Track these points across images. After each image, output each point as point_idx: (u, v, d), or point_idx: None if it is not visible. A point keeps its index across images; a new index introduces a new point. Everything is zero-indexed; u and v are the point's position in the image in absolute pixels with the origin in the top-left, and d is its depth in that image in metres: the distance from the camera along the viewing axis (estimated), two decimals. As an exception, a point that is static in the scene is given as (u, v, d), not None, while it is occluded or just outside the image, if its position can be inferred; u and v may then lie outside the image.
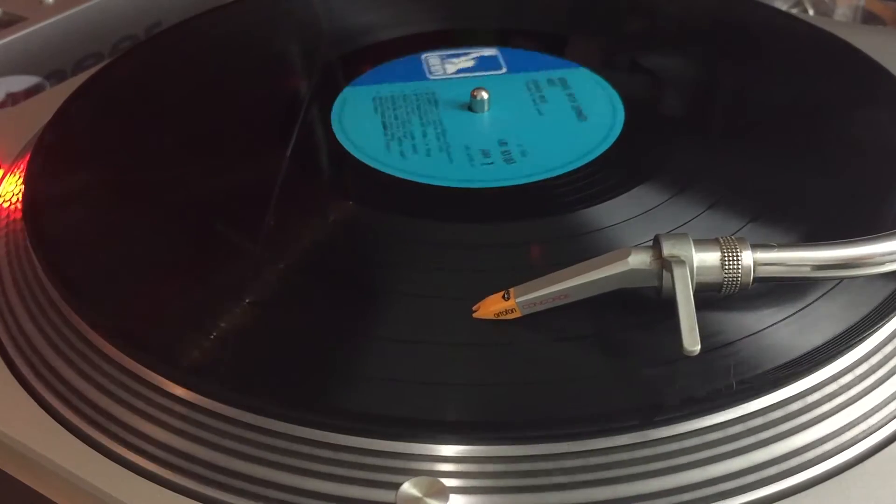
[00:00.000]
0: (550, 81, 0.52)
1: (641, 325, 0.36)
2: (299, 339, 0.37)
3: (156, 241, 0.42)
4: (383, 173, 0.45)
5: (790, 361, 0.35)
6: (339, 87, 0.53)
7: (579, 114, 0.49)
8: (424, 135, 0.48)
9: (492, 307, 0.37)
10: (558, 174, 0.45)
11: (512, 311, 0.36)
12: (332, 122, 0.49)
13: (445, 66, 0.53)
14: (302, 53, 0.58)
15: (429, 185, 0.44)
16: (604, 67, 0.53)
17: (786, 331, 0.36)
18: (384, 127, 0.49)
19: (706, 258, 0.35)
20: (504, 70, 0.53)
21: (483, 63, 0.54)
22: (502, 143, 0.47)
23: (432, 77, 0.53)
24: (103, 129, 0.50)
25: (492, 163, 0.46)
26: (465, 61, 0.53)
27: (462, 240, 0.41)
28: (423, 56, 0.55)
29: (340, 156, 0.47)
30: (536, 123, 0.49)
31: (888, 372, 0.36)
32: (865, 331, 0.36)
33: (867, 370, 0.36)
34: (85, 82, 0.53)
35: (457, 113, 0.50)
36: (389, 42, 0.57)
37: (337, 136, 0.48)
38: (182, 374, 0.35)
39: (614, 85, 0.51)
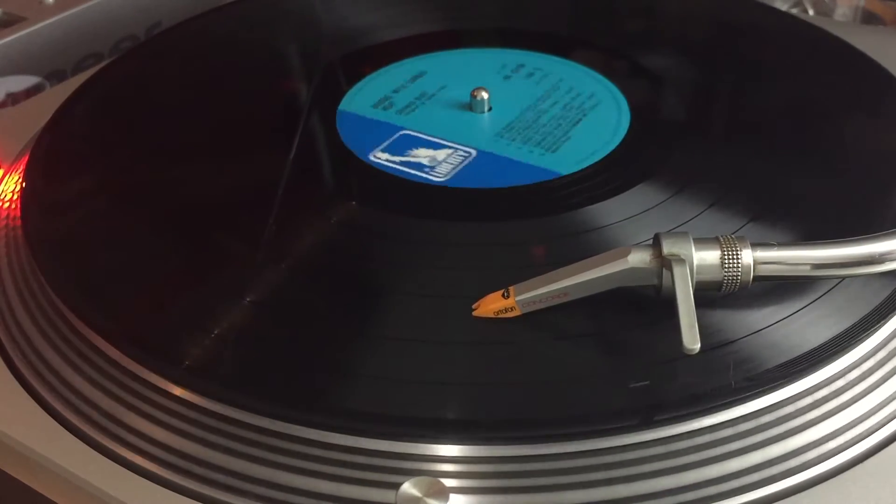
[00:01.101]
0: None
1: (641, 324, 0.36)
2: (299, 338, 0.37)
3: (155, 240, 0.42)
4: (384, 173, 0.45)
5: (790, 361, 0.35)
6: (341, 86, 0.53)
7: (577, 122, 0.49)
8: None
9: (491, 305, 0.37)
10: (560, 174, 0.45)
11: (511, 310, 0.36)
12: (337, 122, 0.49)
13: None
14: (302, 53, 0.58)
15: (429, 184, 0.44)
16: (607, 69, 0.53)
17: (786, 330, 0.36)
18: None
19: (706, 257, 0.35)
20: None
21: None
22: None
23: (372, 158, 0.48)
24: (103, 130, 0.50)
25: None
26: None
27: (462, 239, 0.41)
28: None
29: (341, 156, 0.47)
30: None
31: (888, 372, 0.36)
32: (865, 331, 0.36)
33: (867, 370, 0.36)
34: (85, 82, 0.53)
35: (458, 112, 0.50)
36: (390, 42, 0.57)
37: (340, 135, 0.48)
38: (182, 374, 0.35)
39: (617, 85, 0.51)
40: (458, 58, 0.55)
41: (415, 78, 0.53)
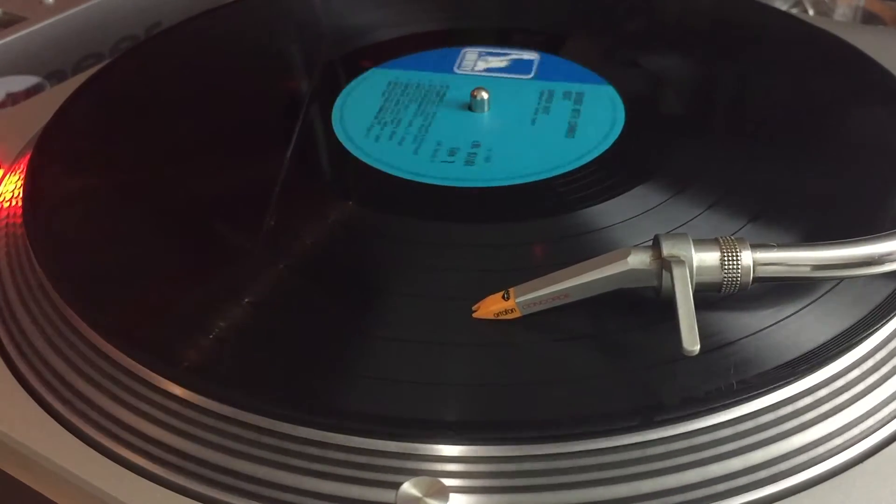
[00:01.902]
0: (566, 94, 0.51)
1: (641, 325, 0.36)
2: (299, 339, 0.37)
3: (155, 240, 0.42)
4: (384, 173, 0.45)
5: (790, 361, 0.35)
6: (340, 86, 0.53)
7: (571, 131, 0.48)
8: (410, 124, 0.49)
9: (491, 307, 0.37)
10: (559, 174, 0.45)
11: (512, 311, 0.36)
12: (333, 122, 0.49)
13: (478, 63, 0.53)
14: (302, 53, 0.58)
15: (429, 185, 0.44)
16: (603, 66, 0.53)
17: (786, 331, 0.36)
18: (378, 111, 0.50)
19: (706, 258, 0.35)
20: (531, 76, 0.53)
21: (515, 66, 0.54)
22: (475, 144, 0.47)
23: (458, 71, 0.53)
24: (103, 129, 0.50)
25: (452, 162, 0.46)
26: (500, 61, 0.53)
27: (462, 240, 0.41)
28: (464, 50, 0.55)
29: (341, 156, 0.47)
30: (521, 132, 0.48)
31: (888, 372, 0.36)
32: (865, 331, 0.36)
33: (867, 370, 0.36)
34: (85, 82, 0.53)
35: (453, 111, 0.50)
36: (390, 42, 0.57)
37: (337, 135, 0.48)
38: (182, 373, 0.35)
39: (613, 84, 0.51)
40: (456, 56, 0.55)
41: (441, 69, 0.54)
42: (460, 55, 0.54)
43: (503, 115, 0.50)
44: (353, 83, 0.53)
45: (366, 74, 0.54)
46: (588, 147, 0.46)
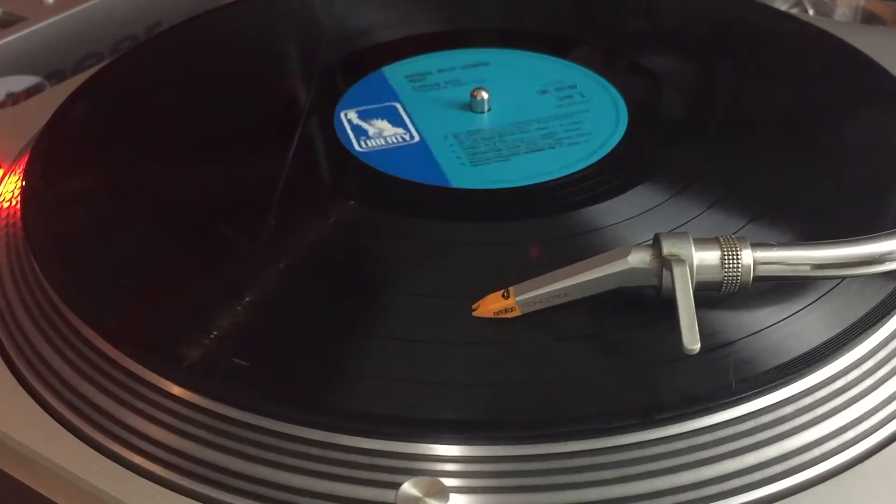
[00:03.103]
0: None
1: (641, 324, 0.36)
2: (299, 339, 0.37)
3: (155, 240, 0.42)
4: (383, 173, 0.45)
5: (790, 361, 0.35)
6: (340, 86, 0.53)
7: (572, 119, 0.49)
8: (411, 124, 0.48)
9: (491, 306, 0.37)
10: (559, 175, 0.45)
11: (511, 310, 0.36)
12: (335, 122, 0.49)
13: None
14: (302, 53, 0.58)
15: (428, 185, 0.44)
16: (605, 68, 0.53)
17: (786, 331, 0.36)
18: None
19: (706, 257, 0.35)
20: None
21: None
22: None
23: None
24: (103, 129, 0.50)
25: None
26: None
27: (462, 240, 0.41)
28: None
29: (341, 156, 0.47)
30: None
31: (888, 372, 0.36)
32: (865, 331, 0.36)
33: (867, 370, 0.36)
34: (85, 82, 0.53)
35: (453, 111, 0.50)
36: (390, 42, 0.57)
37: (338, 135, 0.48)
38: (182, 373, 0.35)
39: (615, 86, 0.51)
40: (458, 57, 0.55)
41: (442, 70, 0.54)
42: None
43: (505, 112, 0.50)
44: (355, 84, 0.53)
45: (368, 75, 0.54)
46: (591, 148, 0.46)
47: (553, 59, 0.54)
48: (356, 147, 0.47)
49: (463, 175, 0.45)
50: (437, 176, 0.45)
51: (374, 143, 0.47)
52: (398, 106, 0.51)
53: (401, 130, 0.49)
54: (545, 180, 0.44)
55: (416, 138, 0.48)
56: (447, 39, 0.57)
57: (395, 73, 0.54)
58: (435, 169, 0.45)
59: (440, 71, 0.54)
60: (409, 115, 0.50)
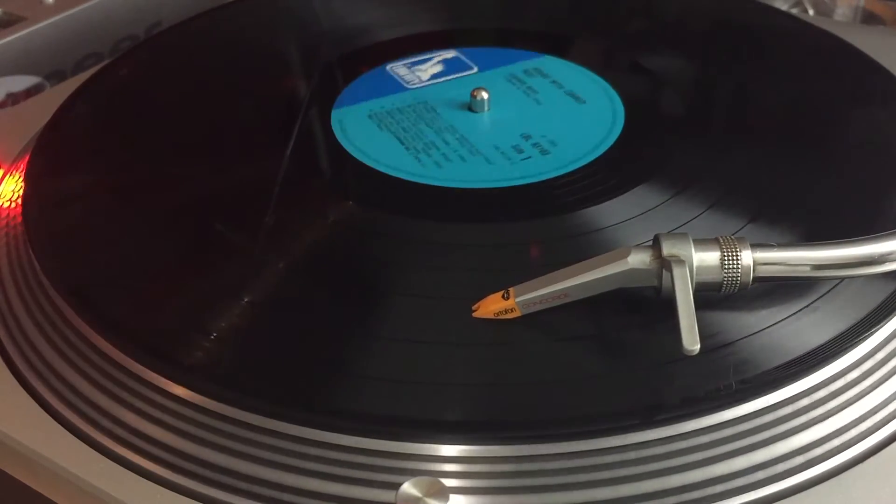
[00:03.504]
0: (528, 72, 0.52)
1: (641, 324, 0.36)
2: (299, 339, 0.37)
3: (156, 240, 0.42)
4: (382, 173, 0.45)
5: (790, 361, 0.35)
6: (339, 86, 0.53)
7: (576, 98, 0.49)
8: (446, 142, 0.47)
9: (491, 306, 0.37)
10: (558, 175, 0.45)
11: (511, 311, 0.36)
12: (332, 123, 0.49)
13: (417, 74, 0.53)
14: (302, 53, 0.58)
15: (429, 184, 0.44)
16: (603, 67, 0.53)
17: (786, 331, 0.36)
18: (401, 142, 0.48)
19: (706, 258, 0.35)
20: (475, 70, 0.54)
21: (452, 66, 0.54)
22: (526, 136, 0.47)
23: (411, 86, 0.53)
24: (103, 130, 0.50)
25: (529, 157, 0.46)
26: (433, 66, 0.53)
27: (462, 240, 0.41)
28: (389, 67, 0.54)
29: (340, 156, 0.47)
30: (543, 114, 0.49)
31: (888, 372, 0.36)
32: (865, 331, 0.36)
33: (867, 370, 0.36)
34: (85, 82, 0.53)
35: (461, 114, 0.50)
36: (390, 42, 0.57)
37: (336, 135, 0.48)
38: (182, 373, 0.35)
39: (614, 85, 0.51)
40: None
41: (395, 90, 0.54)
42: (392, 72, 0.54)
43: (507, 107, 0.50)
44: (353, 83, 0.53)
45: (366, 75, 0.54)
46: (588, 147, 0.46)
47: (550, 57, 0.54)
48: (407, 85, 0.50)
49: (462, 175, 0.45)
50: (437, 175, 0.45)
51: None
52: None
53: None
54: (545, 180, 0.44)
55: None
56: (446, 38, 0.57)
57: (395, 72, 0.54)
58: (435, 168, 0.45)
59: (441, 69, 0.54)
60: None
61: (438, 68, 0.54)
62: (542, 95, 0.51)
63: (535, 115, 0.49)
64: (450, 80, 0.53)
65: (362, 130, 0.49)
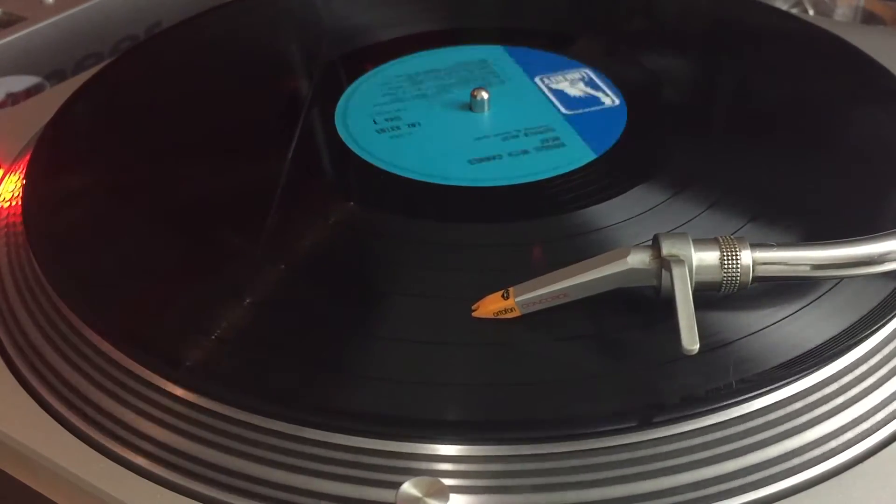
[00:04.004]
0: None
1: (641, 324, 0.36)
2: (299, 339, 0.37)
3: (156, 240, 0.42)
4: (384, 171, 0.45)
5: (790, 361, 0.35)
6: (341, 86, 0.53)
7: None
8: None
9: (491, 306, 0.37)
10: (559, 174, 0.45)
11: (511, 311, 0.36)
12: (336, 122, 0.49)
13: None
14: (303, 53, 0.58)
15: (428, 184, 0.44)
16: (605, 66, 0.53)
17: (785, 330, 0.36)
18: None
19: (705, 257, 0.35)
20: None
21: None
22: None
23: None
24: (103, 129, 0.50)
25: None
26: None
27: (462, 240, 0.41)
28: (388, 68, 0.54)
29: (342, 156, 0.47)
30: (544, 113, 0.50)
31: (888, 372, 0.36)
32: (865, 331, 0.36)
33: (867, 370, 0.36)
34: (85, 82, 0.53)
35: (461, 114, 0.50)
36: (390, 42, 0.57)
37: (340, 135, 0.48)
38: (182, 374, 0.35)
39: (616, 83, 0.51)
40: (456, 55, 0.55)
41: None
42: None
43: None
44: (355, 83, 0.53)
45: (369, 74, 0.54)
46: (591, 148, 0.46)
47: (552, 55, 0.54)
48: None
49: (462, 175, 0.45)
50: (437, 175, 0.45)
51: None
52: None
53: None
54: (545, 180, 0.44)
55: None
56: (447, 37, 0.57)
57: (396, 71, 0.54)
58: (435, 168, 0.45)
59: (440, 69, 0.54)
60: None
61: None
62: (543, 94, 0.51)
63: (536, 115, 0.49)
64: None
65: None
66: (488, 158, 0.46)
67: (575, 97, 0.50)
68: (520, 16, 0.60)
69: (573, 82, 0.51)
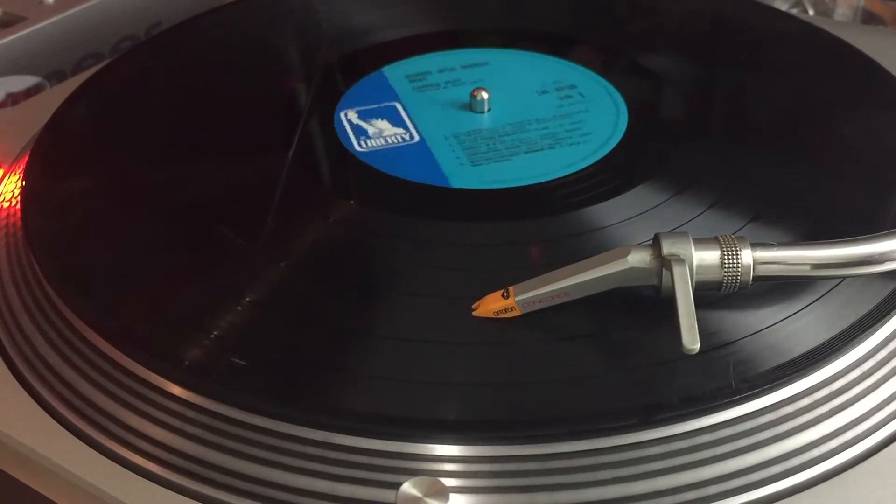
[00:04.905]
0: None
1: (641, 324, 0.36)
2: (299, 338, 0.37)
3: (155, 240, 0.42)
4: (383, 173, 0.45)
5: (790, 361, 0.35)
6: (340, 87, 0.53)
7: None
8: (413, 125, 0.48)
9: (491, 305, 0.37)
10: (559, 175, 0.45)
11: (511, 310, 0.36)
12: (335, 122, 0.49)
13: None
14: (302, 53, 0.58)
15: (428, 184, 0.44)
16: (605, 69, 0.53)
17: (786, 330, 0.36)
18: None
19: (706, 257, 0.35)
20: None
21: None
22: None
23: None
24: (103, 130, 0.50)
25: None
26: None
27: (462, 239, 0.41)
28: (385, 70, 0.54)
29: (341, 156, 0.47)
30: (545, 114, 0.50)
31: (888, 372, 0.36)
32: (865, 331, 0.36)
33: (867, 370, 0.36)
34: (85, 82, 0.53)
35: (461, 114, 0.50)
36: (390, 42, 0.57)
37: (339, 136, 0.48)
38: (182, 373, 0.35)
39: (615, 85, 0.51)
40: (458, 57, 0.55)
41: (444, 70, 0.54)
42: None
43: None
44: (355, 84, 0.53)
45: (369, 76, 0.54)
46: (592, 149, 0.46)
47: (553, 58, 0.54)
48: (356, 147, 0.47)
49: (463, 175, 0.45)
50: (437, 176, 0.45)
51: (374, 143, 0.47)
52: (398, 106, 0.51)
53: (401, 130, 0.49)
54: (545, 180, 0.44)
55: (416, 138, 0.48)
56: (447, 39, 0.57)
57: (395, 72, 0.54)
58: (435, 169, 0.45)
59: (440, 71, 0.54)
60: (410, 115, 0.50)
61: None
62: (545, 95, 0.51)
63: (537, 115, 0.49)
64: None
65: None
66: (488, 159, 0.46)
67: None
68: (519, 17, 0.60)
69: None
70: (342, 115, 0.50)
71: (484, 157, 0.46)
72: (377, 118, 0.49)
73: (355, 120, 0.49)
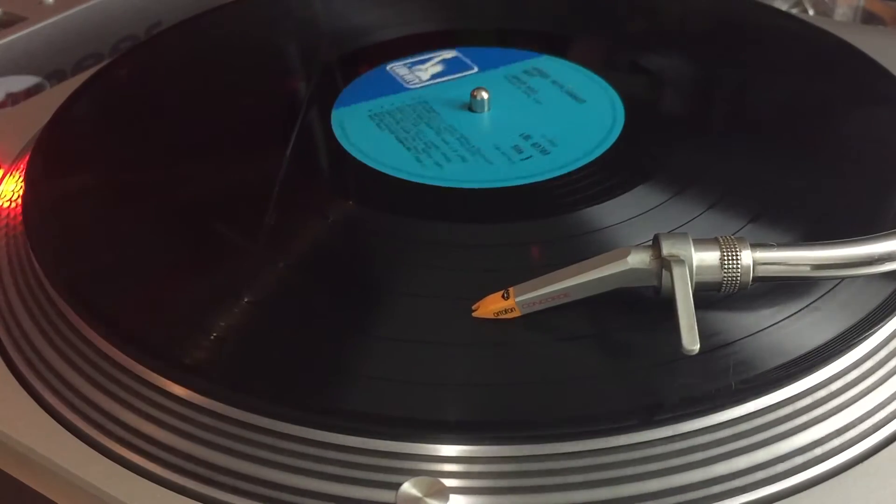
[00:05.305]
0: (528, 72, 0.52)
1: (641, 325, 0.36)
2: (299, 338, 0.37)
3: (155, 240, 0.42)
4: (382, 173, 0.45)
5: (790, 361, 0.35)
6: (339, 86, 0.53)
7: (576, 98, 0.50)
8: (446, 142, 0.47)
9: (491, 306, 0.37)
10: (558, 175, 0.45)
11: (511, 311, 0.36)
12: (333, 123, 0.49)
13: (417, 74, 0.53)
14: (302, 53, 0.58)
15: (428, 185, 0.44)
16: (604, 67, 0.53)
17: (785, 331, 0.36)
18: (401, 142, 0.48)
19: (705, 257, 0.35)
20: (476, 70, 0.54)
21: (452, 66, 0.54)
22: (525, 136, 0.47)
23: (411, 86, 0.52)
24: (103, 129, 0.50)
25: (529, 157, 0.46)
26: (434, 66, 0.53)
27: (462, 240, 0.41)
28: (389, 67, 0.54)
29: (340, 156, 0.47)
30: (543, 113, 0.49)
31: (888, 372, 0.36)
32: (865, 331, 0.36)
33: (867, 370, 0.36)
34: (85, 82, 0.53)
35: (461, 114, 0.50)
36: (389, 42, 0.57)
37: (336, 135, 0.48)
38: (182, 373, 0.35)
39: (614, 85, 0.51)
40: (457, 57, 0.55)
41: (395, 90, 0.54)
42: (392, 72, 0.53)
43: (507, 107, 0.50)
44: (353, 83, 0.53)
45: (366, 75, 0.54)
46: (588, 147, 0.46)
47: (551, 58, 0.54)
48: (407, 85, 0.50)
49: (463, 175, 0.45)
50: (437, 176, 0.45)
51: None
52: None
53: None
54: (545, 180, 0.44)
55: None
56: (446, 39, 0.57)
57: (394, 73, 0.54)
58: (435, 168, 0.45)
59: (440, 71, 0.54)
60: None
61: (439, 68, 0.54)
62: (543, 95, 0.51)
63: (536, 115, 0.49)
64: (450, 80, 0.53)
65: (363, 130, 0.49)
66: (488, 158, 0.46)
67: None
68: (519, 17, 0.60)
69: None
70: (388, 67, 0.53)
71: (483, 157, 0.46)
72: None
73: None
